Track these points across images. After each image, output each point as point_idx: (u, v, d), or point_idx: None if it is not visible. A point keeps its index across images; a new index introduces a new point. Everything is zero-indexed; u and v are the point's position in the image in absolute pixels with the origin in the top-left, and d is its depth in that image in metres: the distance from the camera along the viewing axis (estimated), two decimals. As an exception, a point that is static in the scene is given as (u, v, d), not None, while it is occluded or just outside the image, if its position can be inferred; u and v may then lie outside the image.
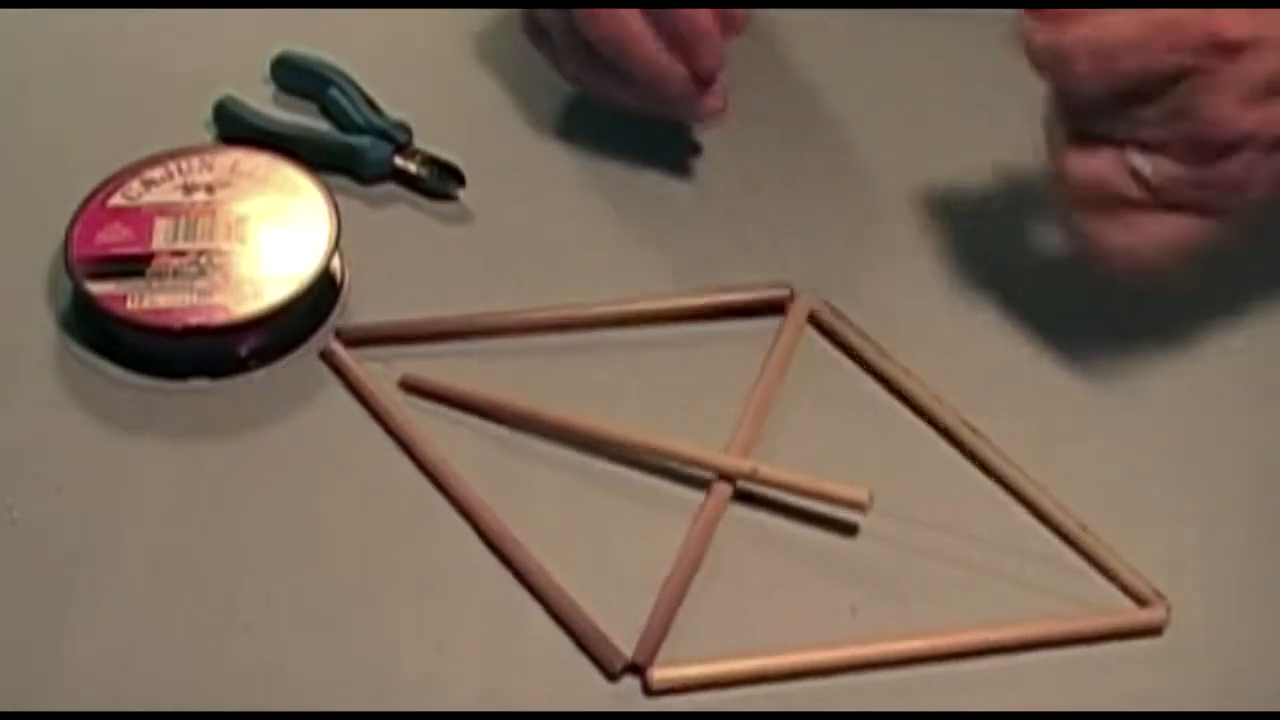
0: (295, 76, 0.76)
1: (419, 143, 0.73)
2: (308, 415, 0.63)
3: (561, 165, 0.74)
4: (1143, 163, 0.58)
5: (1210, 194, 0.59)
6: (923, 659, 0.56)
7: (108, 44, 0.78)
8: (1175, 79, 0.57)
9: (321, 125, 0.74)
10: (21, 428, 0.62)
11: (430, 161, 0.72)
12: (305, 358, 0.65)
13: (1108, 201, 0.59)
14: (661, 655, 0.56)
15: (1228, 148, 0.57)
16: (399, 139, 0.72)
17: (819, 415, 0.64)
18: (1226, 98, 0.57)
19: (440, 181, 0.71)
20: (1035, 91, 0.61)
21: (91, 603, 0.56)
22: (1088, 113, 0.59)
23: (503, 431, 0.63)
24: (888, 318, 0.67)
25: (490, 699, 0.55)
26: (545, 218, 0.72)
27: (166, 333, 0.63)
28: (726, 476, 0.61)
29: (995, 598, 0.58)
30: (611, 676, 0.55)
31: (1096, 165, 0.59)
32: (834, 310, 0.67)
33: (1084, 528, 0.60)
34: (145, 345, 0.63)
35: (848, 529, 0.60)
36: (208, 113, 0.74)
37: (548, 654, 0.56)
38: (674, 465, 0.61)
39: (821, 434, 0.63)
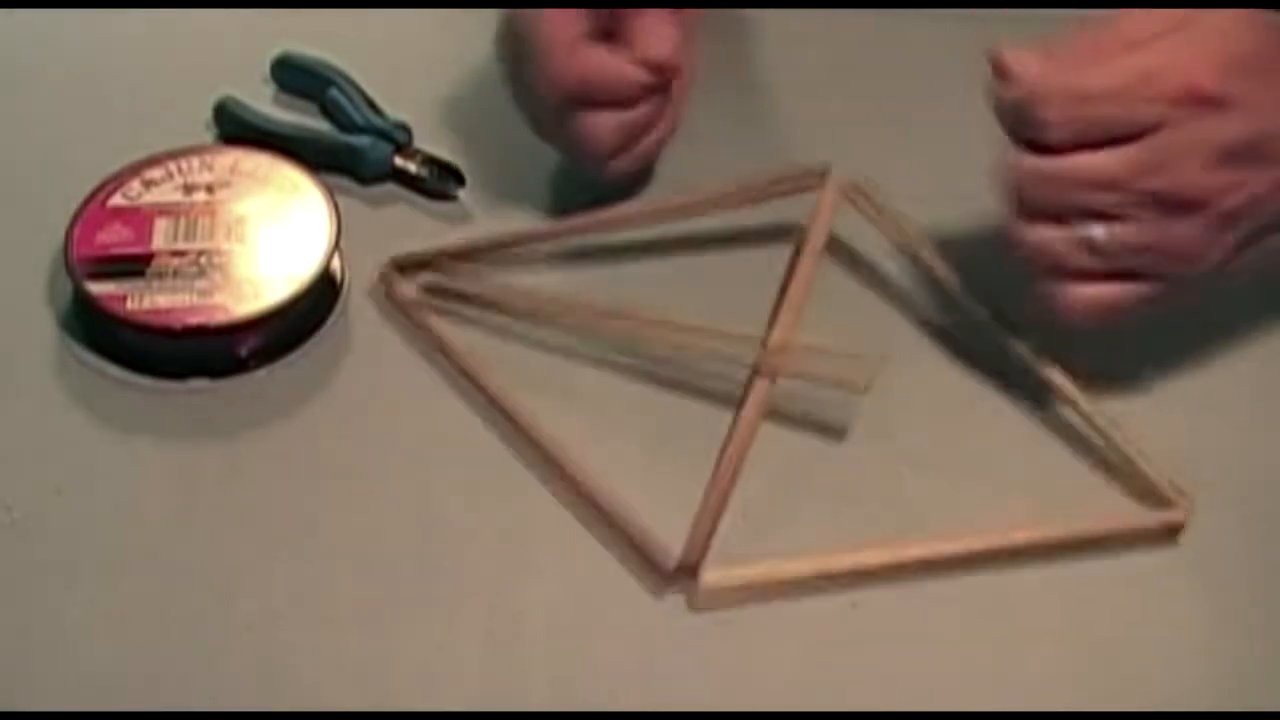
0: (295, 76, 0.76)
1: (419, 143, 0.73)
2: (308, 415, 0.63)
3: (561, 165, 0.73)
4: (1098, 230, 0.58)
5: (1158, 260, 0.58)
6: (959, 561, 0.58)
7: (108, 44, 0.79)
8: (1144, 132, 0.57)
9: (321, 125, 0.74)
10: (21, 428, 0.62)
11: (430, 161, 0.72)
12: (305, 358, 0.65)
13: (1056, 267, 0.59)
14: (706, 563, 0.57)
15: (1184, 208, 0.57)
16: (399, 139, 0.72)
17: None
18: (1193, 156, 0.57)
19: (440, 181, 0.71)
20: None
21: (91, 603, 0.56)
22: (1047, 185, 0.59)
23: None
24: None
25: (490, 699, 0.55)
26: (545, 217, 0.72)
27: (166, 333, 0.63)
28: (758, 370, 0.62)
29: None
30: (666, 578, 0.57)
31: (1046, 235, 0.59)
32: (865, 189, 0.69)
33: (1115, 424, 0.61)
34: (145, 345, 0.63)
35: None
36: (208, 113, 0.74)
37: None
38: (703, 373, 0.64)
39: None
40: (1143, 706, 0.56)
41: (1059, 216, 0.59)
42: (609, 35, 0.67)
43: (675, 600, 0.57)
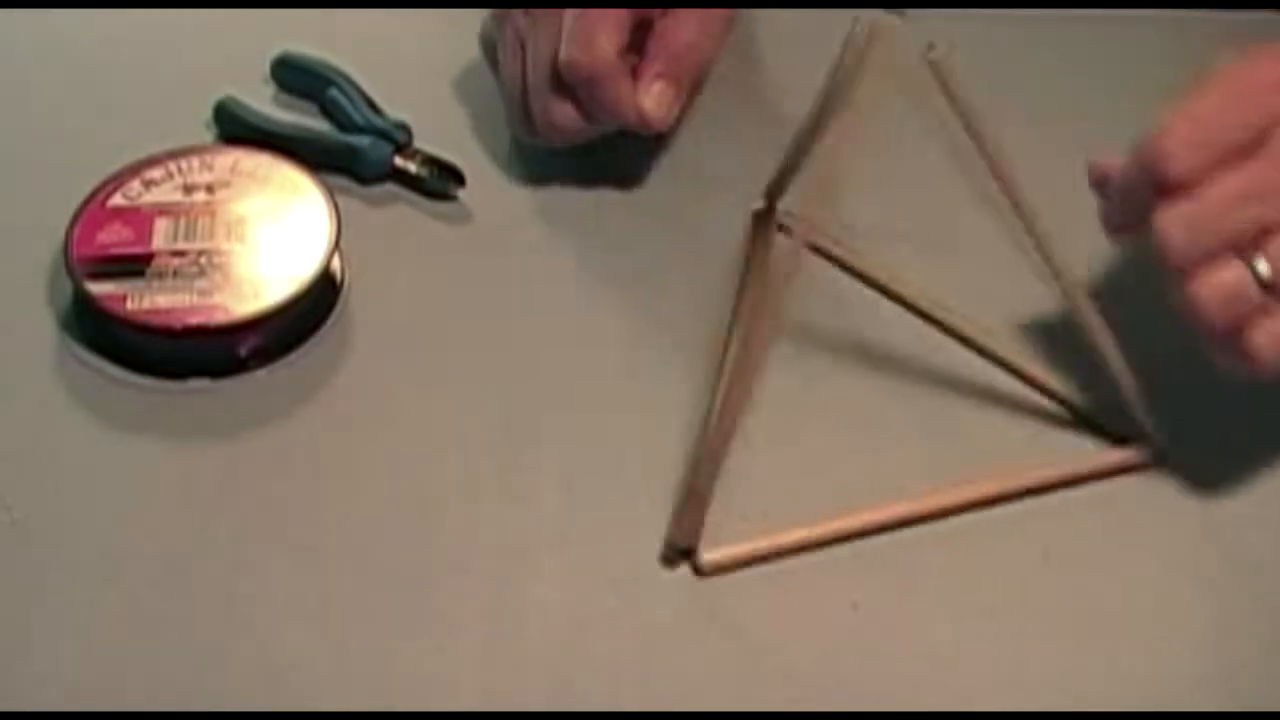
0: (295, 76, 0.76)
1: (419, 143, 0.73)
2: (308, 415, 0.63)
3: (561, 164, 0.74)
4: (1262, 260, 0.56)
5: None
6: (953, 510, 0.60)
7: (107, 44, 0.79)
8: (1269, 131, 0.56)
9: (322, 125, 0.74)
10: (21, 428, 0.62)
11: (430, 161, 0.72)
12: (305, 358, 0.65)
13: (1235, 313, 0.56)
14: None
15: None
16: (399, 139, 0.72)
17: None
18: None
19: (440, 181, 0.71)
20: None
21: (91, 603, 0.56)
22: (1197, 220, 0.56)
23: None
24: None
25: (490, 699, 0.55)
26: (545, 217, 0.72)
27: (166, 333, 0.63)
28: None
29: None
30: (665, 562, 0.58)
31: (1217, 280, 0.56)
32: (796, 217, 0.69)
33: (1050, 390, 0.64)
34: (145, 345, 0.63)
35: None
36: (208, 113, 0.74)
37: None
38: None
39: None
40: (1142, 706, 0.56)
41: (1220, 256, 0.56)
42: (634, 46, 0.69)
43: (672, 594, 0.58)
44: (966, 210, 0.71)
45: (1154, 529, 0.61)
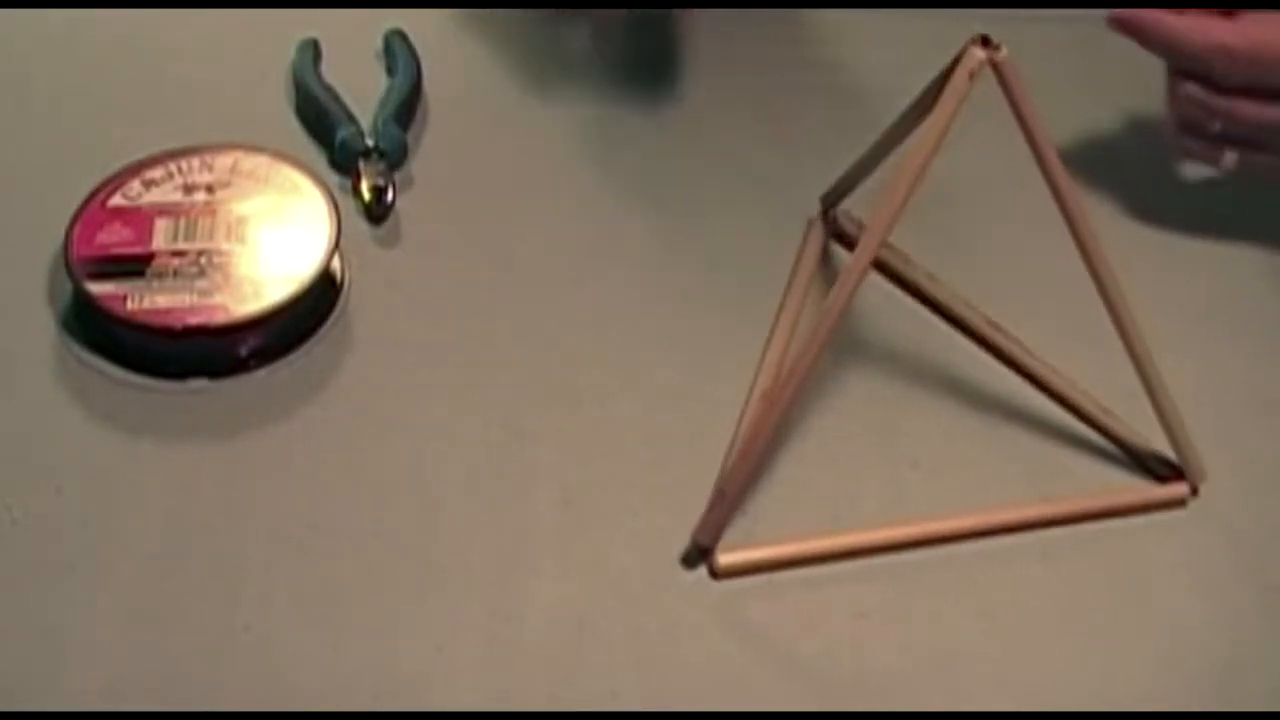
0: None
1: (421, 147, 0.73)
2: (308, 415, 0.63)
3: (562, 164, 0.74)
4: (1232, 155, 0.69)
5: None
6: (974, 534, 0.60)
7: (108, 44, 0.79)
8: None
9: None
10: (22, 428, 0.62)
11: (375, 187, 0.71)
12: (305, 358, 0.65)
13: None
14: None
15: None
16: (358, 147, 0.72)
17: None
18: None
19: (376, 203, 0.71)
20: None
21: (91, 603, 0.56)
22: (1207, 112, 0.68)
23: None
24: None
25: (490, 699, 0.55)
26: (547, 218, 0.72)
27: (166, 333, 0.63)
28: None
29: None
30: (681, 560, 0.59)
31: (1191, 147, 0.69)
32: (854, 219, 0.70)
33: (1107, 411, 0.64)
34: (145, 345, 0.63)
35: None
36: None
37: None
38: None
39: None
40: (1142, 706, 0.56)
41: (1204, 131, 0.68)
42: None
43: (675, 597, 0.58)
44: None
45: (1154, 529, 0.61)
